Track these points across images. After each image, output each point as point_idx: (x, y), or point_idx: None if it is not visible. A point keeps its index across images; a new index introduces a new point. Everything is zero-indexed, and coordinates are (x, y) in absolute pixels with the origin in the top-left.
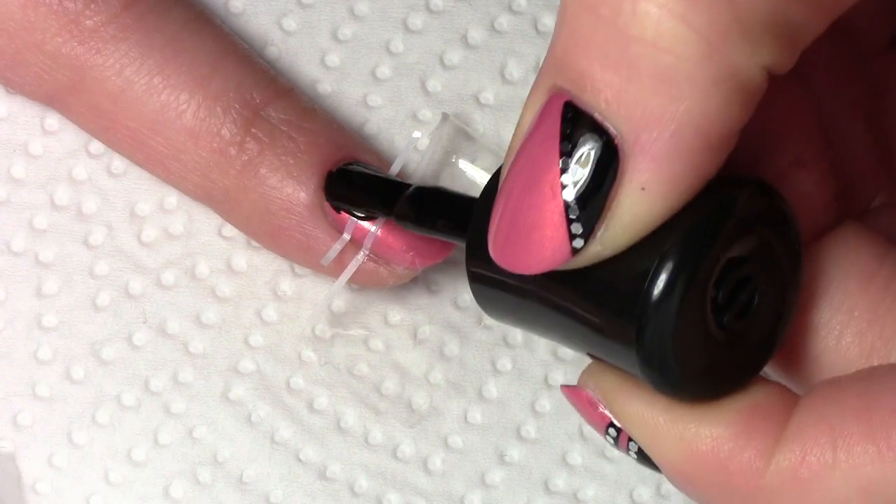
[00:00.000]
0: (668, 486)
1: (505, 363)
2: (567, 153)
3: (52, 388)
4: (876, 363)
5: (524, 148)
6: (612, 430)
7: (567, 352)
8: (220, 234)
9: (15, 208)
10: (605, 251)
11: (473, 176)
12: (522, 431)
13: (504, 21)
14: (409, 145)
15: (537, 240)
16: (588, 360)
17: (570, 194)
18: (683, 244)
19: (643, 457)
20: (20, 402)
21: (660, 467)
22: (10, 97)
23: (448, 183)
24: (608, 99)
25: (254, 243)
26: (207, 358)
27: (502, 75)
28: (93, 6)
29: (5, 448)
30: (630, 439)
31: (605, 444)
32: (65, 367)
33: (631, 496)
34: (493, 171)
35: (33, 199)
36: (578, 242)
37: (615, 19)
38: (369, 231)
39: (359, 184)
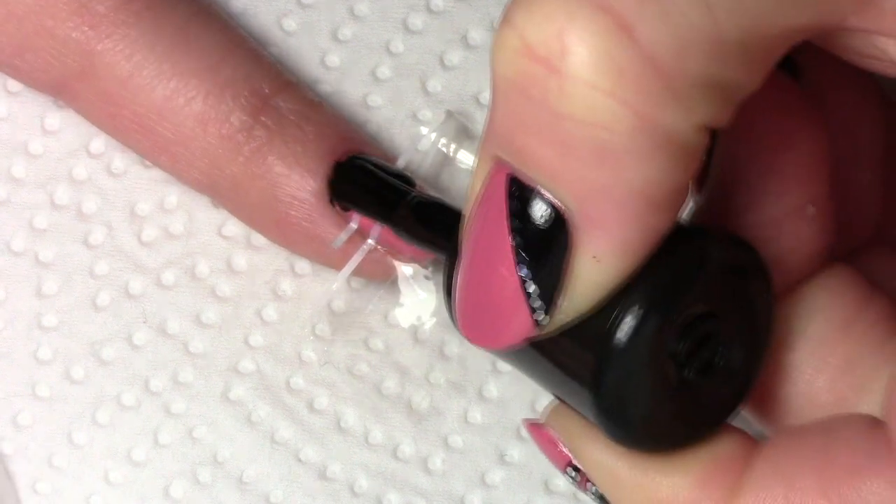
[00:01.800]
0: None
1: (505, 363)
2: (517, 230)
3: (52, 388)
4: (844, 412)
5: (476, 224)
6: (571, 470)
7: None
8: (220, 233)
9: (15, 208)
10: (569, 318)
11: (473, 168)
12: (522, 431)
13: None
14: (415, 141)
15: (501, 319)
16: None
17: (525, 271)
18: (645, 299)
19: (603, 500)
20: (20, 402)
21: None
22: (10, 97)
23: (450, 178)
24: (550, 174)
25: (254, 242)
26: (207, 358)
27: None
28: None
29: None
30: (590, 481)
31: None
32: (65, 367)
33: None
34: None
35: (33, 199)
36: (541, 316)
37: (545, 100)
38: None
39: (362, 185)
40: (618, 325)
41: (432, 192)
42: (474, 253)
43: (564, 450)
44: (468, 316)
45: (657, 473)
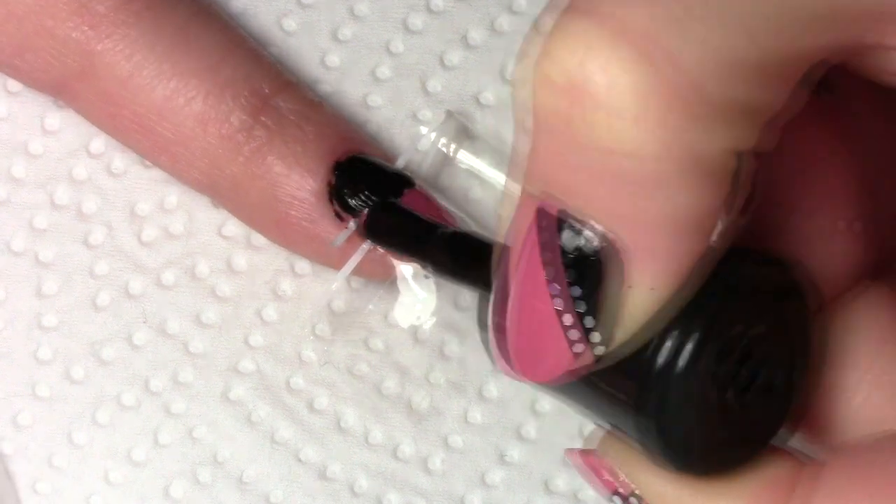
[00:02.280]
0: None
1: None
2: (565, 264)
3: (52, 388)
4: (888, 427)
5: (522, 261)
6: (617, 499)
7: None
8: (220, 233)
9: (15, 208)
10: (628, 349)
11: (473, 169)
12: (522, 431)
13: (504, 21)
14: (415, 141)
15: (553, 354)
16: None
17: (577, 306)
18: (690, 324)
19: None
20: (20, 402)
21: None
22: (10, 97)
23: (450, 179)
24: (589, 206)
25: (254, 242)
26: (207, 358)
27: (502, 75)
28: None
29: (4, 449)
30: None
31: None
32: (65, 367)
33: None
34: (493, 166)
35: (33, 199)
36: (599, 350)
37: (572, 132)
38: None
39: (392, 224)
40: (662, 352)
41: (434, 193)
42: (522, 290)
43: (609, 477)
44: (518, 352)
45: (709, 498)
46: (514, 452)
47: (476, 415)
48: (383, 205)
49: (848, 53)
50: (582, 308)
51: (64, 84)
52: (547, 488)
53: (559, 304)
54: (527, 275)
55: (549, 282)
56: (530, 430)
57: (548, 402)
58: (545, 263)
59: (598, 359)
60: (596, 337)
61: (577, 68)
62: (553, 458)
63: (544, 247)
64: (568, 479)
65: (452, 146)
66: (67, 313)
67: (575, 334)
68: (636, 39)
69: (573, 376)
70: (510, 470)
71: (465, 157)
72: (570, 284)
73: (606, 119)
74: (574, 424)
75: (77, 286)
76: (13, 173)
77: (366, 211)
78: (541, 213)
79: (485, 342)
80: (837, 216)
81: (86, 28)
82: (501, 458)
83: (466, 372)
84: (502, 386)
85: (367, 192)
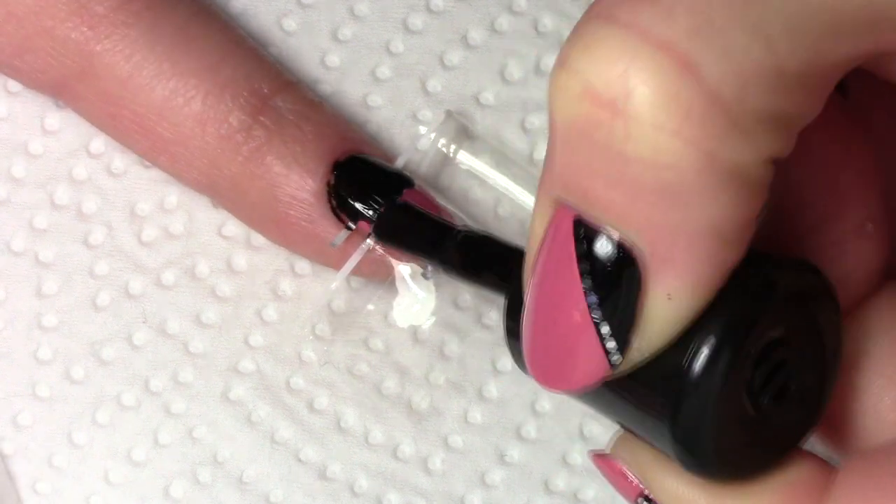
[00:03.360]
0: None
1: (505, 363)
2: (587, 272)
3: (52, 388)
4: None
5: (543, 268)
6: (643, 501)
7: None
8: (220, 233)
9: (15, 208)
10: (645, 357)
11: (473, 169)
12: (522, 431)
13: (504, 21)
14: (415, 141)
15: (575, 362)
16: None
17: (598, 314)
18: (719, 332)
19: None
20: (20, 402)
21: None
22: (10, 97)
23: (450, 179)
24: (619, 216)
25: (254, 242)
26: (207, 358)
27: (502, 75)
28: None
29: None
30: None
31: (607, 443)
32: (65, 367)
33: None
34: (493, 167)
35: (33, 199)
36: (615, 357)
37: (611, 143)
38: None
39: (406, 225)
40: (694, 360)
41: (434, 193)
42: (543, 298)
43: (634, 480)
44: (540, 361)
45: (734, 503)
46: (514, 452)
47: (476, 415)
48: (393, 206)
49: (877, 60)
50: (612, 318)
51: (64, 84)
52: (547, 488)
53: (597, 314)
54: (556, 285)
55: (586, 292)
56: (530, 430)
57: (548, 402)
58: (581, 273)
59: (619, 368)
60: (622, 346)
61: (617, 80)
62: (553, 458)
63: (580, 257)
64: (568, 479)
65: (452, 146)
66: (67, 313)
67: (611, 344)
68: (677, 52)
69: (601, 384)
70: (510, 470)
71: (465, 157)
72: (603, 294)
73: (647, 131)
74: (574, 424)
75: (77, 286)
76: (13, 173)
77: (370, 214)
78: (576, 223)
79: (514, 352)
80: (857, 219)
81: (85, 28)
82: (501, 458)
83: (466, 372)
84: (502, 386)
85: (374, 197)
